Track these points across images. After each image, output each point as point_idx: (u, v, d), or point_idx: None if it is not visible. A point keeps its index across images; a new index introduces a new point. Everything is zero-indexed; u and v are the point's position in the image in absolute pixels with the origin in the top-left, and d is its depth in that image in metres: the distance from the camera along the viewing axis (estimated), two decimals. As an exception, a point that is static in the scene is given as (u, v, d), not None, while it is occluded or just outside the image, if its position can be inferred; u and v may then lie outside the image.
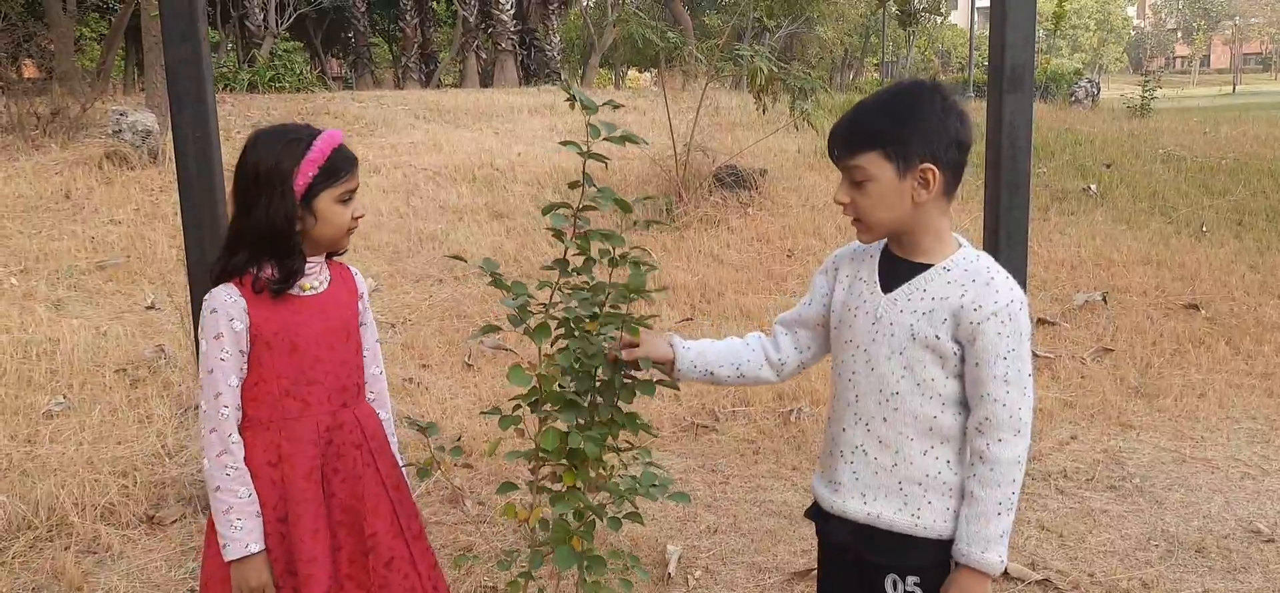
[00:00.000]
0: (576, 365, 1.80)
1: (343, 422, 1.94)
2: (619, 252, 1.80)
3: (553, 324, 1.83)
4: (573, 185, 1.77)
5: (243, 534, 1.82)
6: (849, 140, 1.63)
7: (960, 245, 1.69)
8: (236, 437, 1.84)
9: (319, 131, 1.87)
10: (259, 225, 1.83)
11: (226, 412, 1.83)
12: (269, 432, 1.87)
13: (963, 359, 1.63)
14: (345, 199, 1.88)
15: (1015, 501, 1.61)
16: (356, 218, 1.91)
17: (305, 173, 1.82)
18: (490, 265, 1.78)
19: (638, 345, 1.83)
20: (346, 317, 1.97)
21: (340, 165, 1.86)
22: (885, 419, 1.67)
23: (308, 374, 1.88)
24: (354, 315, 2.00)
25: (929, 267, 1.66)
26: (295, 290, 1.89)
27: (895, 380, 1.66)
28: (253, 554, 1.83)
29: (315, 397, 1.90)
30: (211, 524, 1.87)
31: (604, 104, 1.72)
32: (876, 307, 1.69)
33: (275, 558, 1.87)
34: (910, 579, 1.68)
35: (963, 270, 1.64)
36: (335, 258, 2.02)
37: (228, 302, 1.83)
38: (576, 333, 1.82)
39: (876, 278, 1.71)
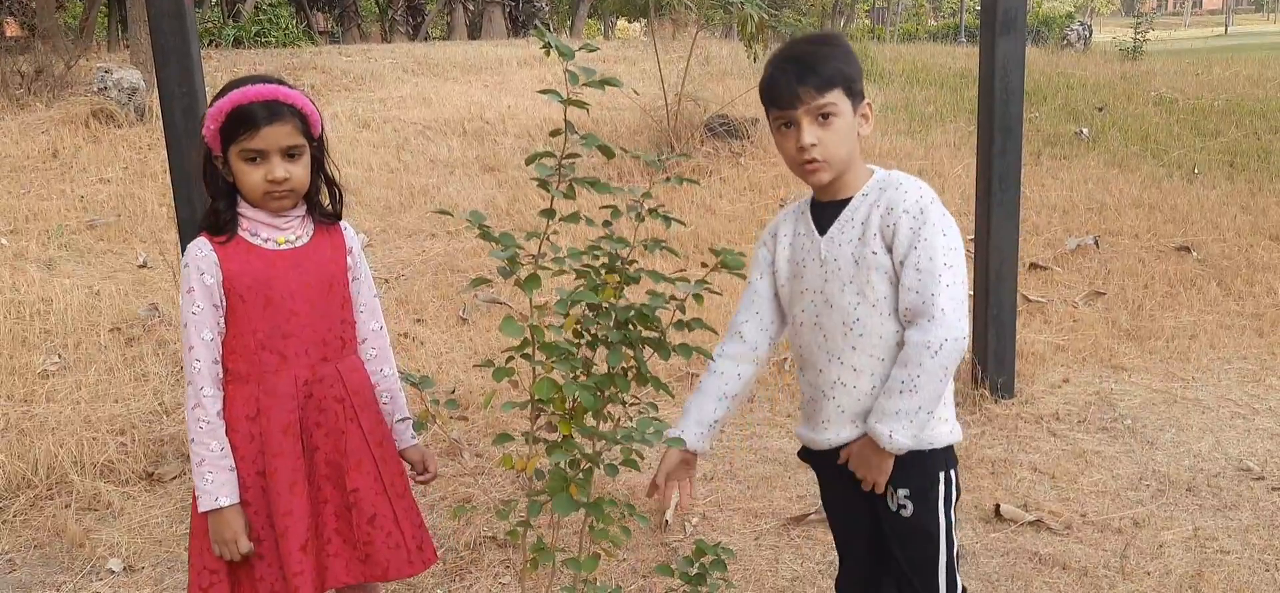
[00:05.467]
0: (592, 325, 1.81)
1: (323, 376, 1.93)
2: (647, 207, 1.84)
3: (557, 274, 1.83)
4: (554, 133, 1.76)
5: (213, 487, 1.84)
6: (821, 80, 1.73)
7: (873, 172, 1.82)
8: (210, 390, 1.85)
9: (251, 83, 1.82)
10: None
11: (199, 365, 1.84)
12: (248, 385, 1.88)
13: None
14: (249, 158, 1.82)
15: (921, 383, 1.67)
16: (272, 181, 1.83)
17: (208, 125, 1.84)
18: (477, 217, 1.77)
19: (661, 487, 2.02)
20: (331, 271, 1.96)
21: (236, 123, 1.81)
22: (853, 347, 1.78)
23: (283, 328, 1.88)
24: (341, 271, 1.99)
25: (851, 198, 1.80)
26: (270, 244, 1.89)
27: (852, 308, 1.77)
28: (222, 507, 1.84)
29: (293, 350, 1.90)
30: None
31: (580, 48, 1.72)
32: (819, 250, 1.82)
33: (256, 511, 1.89)
34: (901, 492, 1.80)
35: (876, 188, 1.79)
36: (323, 217, 1.99)
37: (198, 256, 1.84)
38: (596, 287, 1.81)
39: (812, 227, 1.84)
